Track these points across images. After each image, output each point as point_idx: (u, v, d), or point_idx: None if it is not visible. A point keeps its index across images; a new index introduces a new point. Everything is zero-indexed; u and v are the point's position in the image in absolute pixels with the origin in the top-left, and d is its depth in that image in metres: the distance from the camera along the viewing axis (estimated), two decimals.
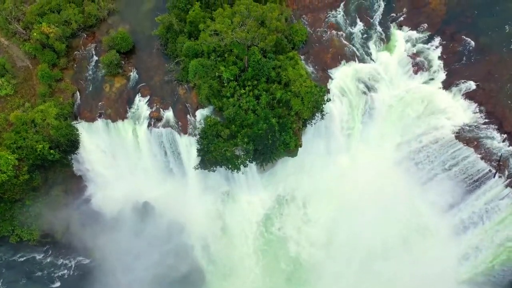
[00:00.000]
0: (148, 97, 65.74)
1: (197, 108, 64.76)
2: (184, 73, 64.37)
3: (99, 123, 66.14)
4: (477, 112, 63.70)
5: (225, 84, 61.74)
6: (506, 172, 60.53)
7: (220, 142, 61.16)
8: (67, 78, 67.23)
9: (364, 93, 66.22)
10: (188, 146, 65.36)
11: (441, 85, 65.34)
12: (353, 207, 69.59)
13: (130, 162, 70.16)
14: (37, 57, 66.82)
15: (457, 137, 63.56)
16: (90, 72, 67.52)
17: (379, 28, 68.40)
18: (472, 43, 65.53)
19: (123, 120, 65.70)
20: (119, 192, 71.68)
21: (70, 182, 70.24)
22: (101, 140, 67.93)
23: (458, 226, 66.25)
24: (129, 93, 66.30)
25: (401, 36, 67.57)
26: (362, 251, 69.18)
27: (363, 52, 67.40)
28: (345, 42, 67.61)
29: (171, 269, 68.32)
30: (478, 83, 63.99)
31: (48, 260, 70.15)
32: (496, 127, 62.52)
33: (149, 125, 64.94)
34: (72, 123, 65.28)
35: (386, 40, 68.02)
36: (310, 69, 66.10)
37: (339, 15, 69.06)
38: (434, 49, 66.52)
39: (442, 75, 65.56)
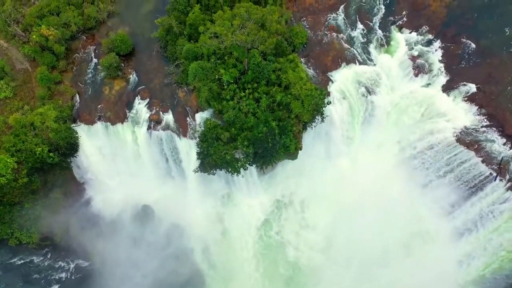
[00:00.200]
0: (148, 99, 65.48)
1: (197, 111, 64.51)
2: (184, 76, 64.14)
3: (99, 126, 65.81)
4: (477, 115, 63.43)
5: (225, 87, 61.57)
6: (507, 176, 60.33)
7: (220, 145, 60.98)
8: (67, 81, 66.93)
9: (365, 96, 66.10)
10: (188, 149, 65.15)
11: (441, 88, 65.12)
12: (353, 210, 69.31)
13: (129, 165, 69.85)
14: (37, 59, 66.53)
15: (457, 140, 63.26)
16: (90, 75, 67.22)
17: (379, 31, 68.18)
18: (473, 45, 65.29)
19: (122, 123, 65.40)
20: (119, 195, 71.57)
21: (70, 185, 69.94)
22: (100, 143, 67.58)
23: (458, 229, 66.02)
24: (128, 95, 66.05)
25: (402, 39, 67.30)
26: (361, 254, 68.96)
27: (364, 55, 67.20)
28: (345, 44, 67.38)
29: (171, 273, 68.14)
30: (478, 85, 63.74)
31: (47, 263, 69.86)
32: (497, 130, 62.24)
33: (148, 128, 64.70)
34: (72, 126, 64.91)
35: (386, 42, 67.81)
36: (310, 71, 65.89)
37: (339, 17, 68.86)
38: (434, 52, 66.27)
39: (442, 78, 65.29)
